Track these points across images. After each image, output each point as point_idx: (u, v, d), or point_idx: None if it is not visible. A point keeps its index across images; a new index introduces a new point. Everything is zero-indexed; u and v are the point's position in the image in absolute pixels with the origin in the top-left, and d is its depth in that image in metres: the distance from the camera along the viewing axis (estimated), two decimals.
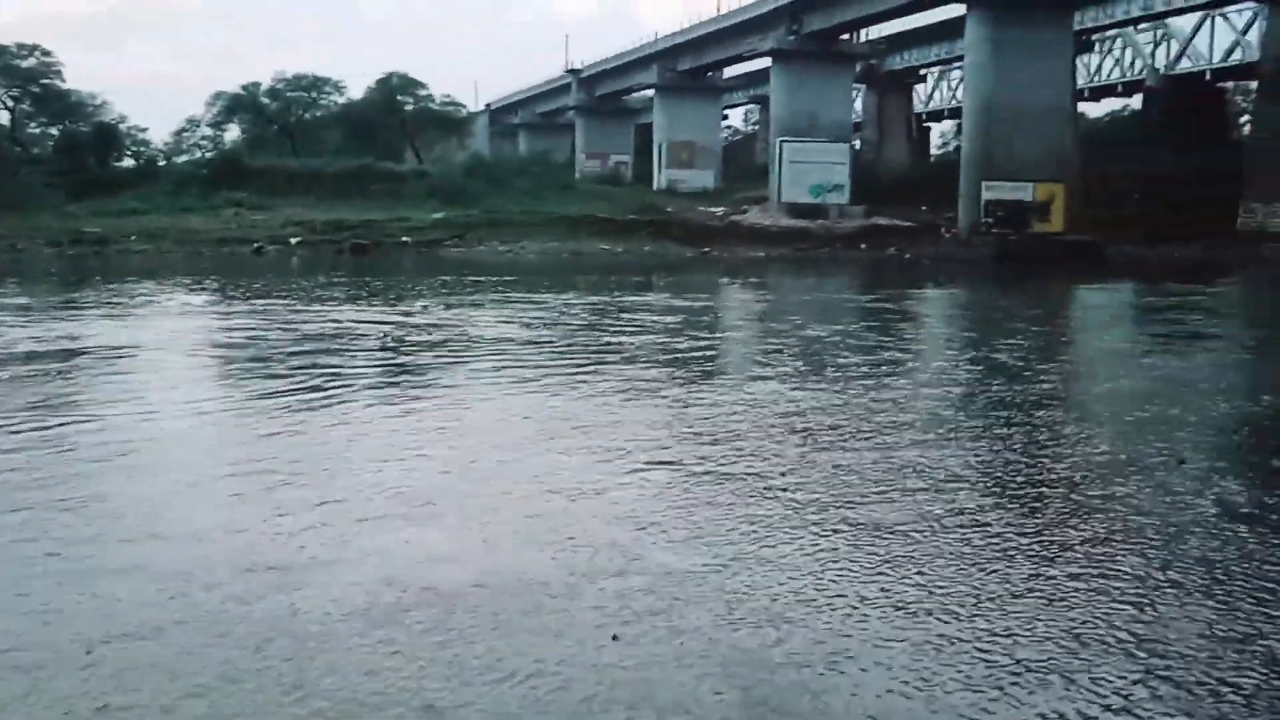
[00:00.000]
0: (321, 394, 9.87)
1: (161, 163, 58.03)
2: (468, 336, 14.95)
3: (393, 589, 4.84)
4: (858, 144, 64.82)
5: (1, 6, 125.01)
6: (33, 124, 59.05)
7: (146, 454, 7.44)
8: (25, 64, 56.56)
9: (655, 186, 66.65)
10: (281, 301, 20.38)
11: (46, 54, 56.89)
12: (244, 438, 8.00)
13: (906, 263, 44.30)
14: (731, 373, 12.17)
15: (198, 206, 49.26)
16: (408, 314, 18.15)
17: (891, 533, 5.71)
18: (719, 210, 56.57)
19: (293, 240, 45.05)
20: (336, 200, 50.57)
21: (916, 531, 5.74)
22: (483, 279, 28.20)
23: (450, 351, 13.43)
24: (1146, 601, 4.74)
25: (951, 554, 5.37)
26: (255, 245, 43.51)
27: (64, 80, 57.35)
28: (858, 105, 67.46)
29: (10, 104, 57.06)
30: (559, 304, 20.93)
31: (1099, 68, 58.84)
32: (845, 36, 57.18)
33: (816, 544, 5.51)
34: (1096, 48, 57.64)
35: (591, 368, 11.91)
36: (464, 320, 17.23)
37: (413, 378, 11.15)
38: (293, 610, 4.58)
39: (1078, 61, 52.80)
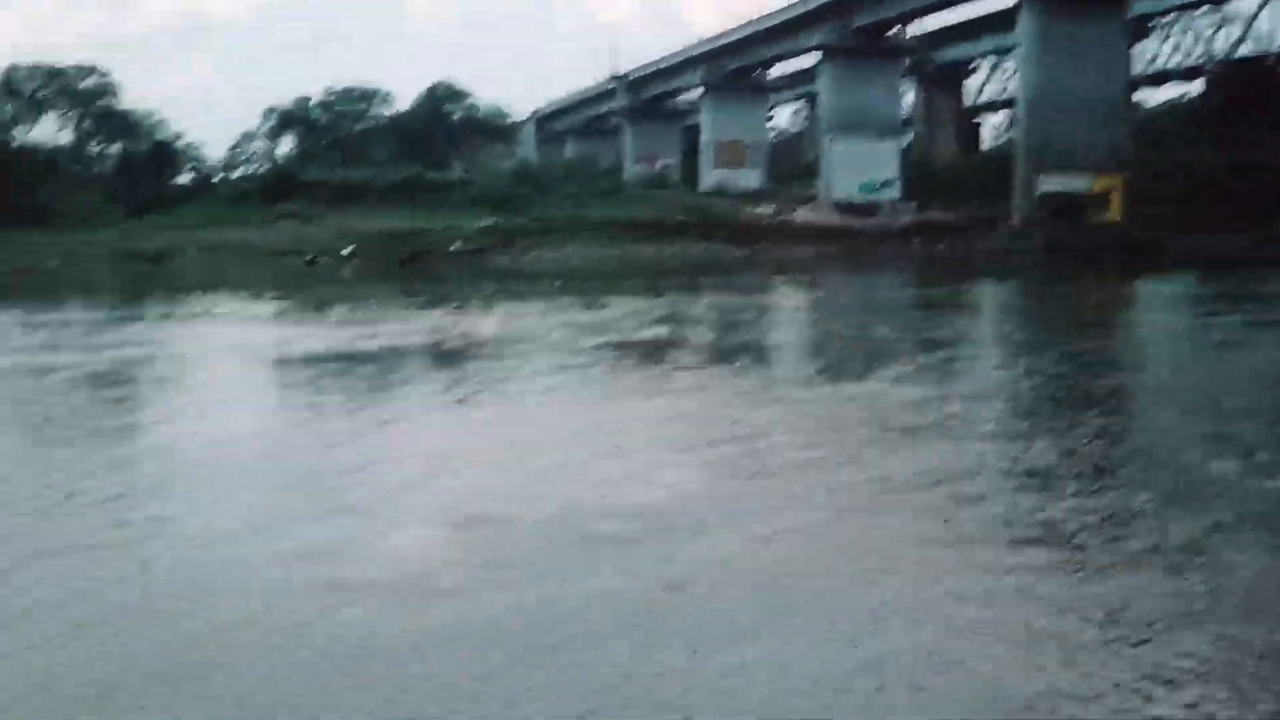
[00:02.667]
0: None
1: (217, 178, 58.90)
2: (557, 341, 14.78)
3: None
4: (908, 139, 64.18)
5: (57, 28, 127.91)
6: (93, 143, 60.17)
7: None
8: (84, 85, 57.72)
9: (703, 188, 66.32)
10: (362, 312, 20.47)
11: (104, 75, 58.09)
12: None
13: (960, 258, 43.67)
14: (828, 373, 11.84)
15: (253, 220, 49.92)
16: (478, 321, 18.13)
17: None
18: (768, 210, 56.21)
19: (344, 251, 45.44)
20: (386, 211, 50.95)
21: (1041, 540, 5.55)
22: (540, 285, 28.13)
23: (543, 357, 13.24)
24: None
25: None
26: (308, 257, 43.94)
27: (121, 100, 58.55)
28: (907, 100, 66.79)
29: (72, 124, 58.20)
30: (632, 310, 20.55)
31: (1156, 54, 57.65)
32: (894, 31, 56.63)
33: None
34: (1154, 33, 56.49)
35: (702, 370, 11.76)
36: (545, 326, 17.07)
37: (519, 384, 10.95)
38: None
39: (1134, 48, 51.79)
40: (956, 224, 50.65)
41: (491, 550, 5.35)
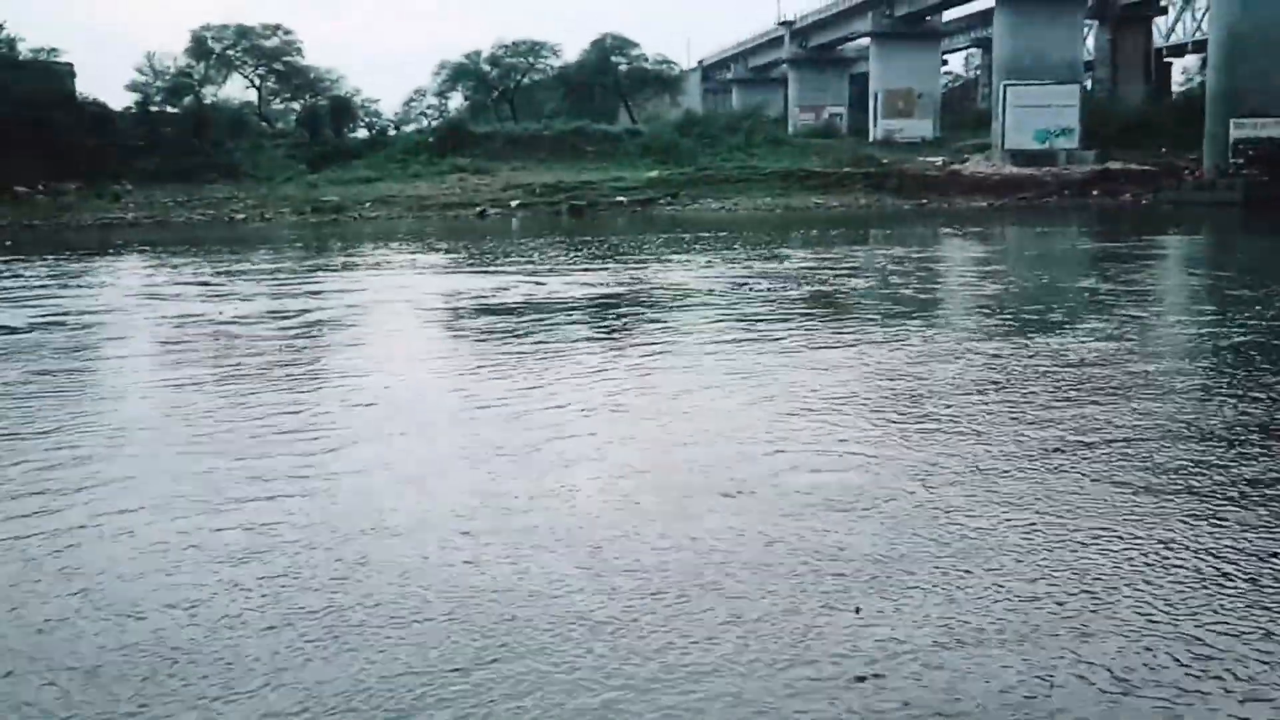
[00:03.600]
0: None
1: (392, 132, 60.80)
2: (744, 293, 14.77)
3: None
4: (1089, 85, 61.24)
5: None
6: (276, 100, 63.00)
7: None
8: (269, 43, 60.30)
9: (871, 138, 65.06)
10: (540, 263, 21.03)
11: (288, 33, 60.55)
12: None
13: (1145, 209, 41.69)
14: (1021, 327, 11.41)
15: (425, 173, 51.49)
16: (665, 272, 18.40)
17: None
18: (938, 160, 54.78)
19: (513, 203, 46.46)
20: (554, 162, 51.82)
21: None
22: (708, 236, 28.13)
23: (734, 308, 13.26)
24: None
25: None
26: (479, 210, 45.16)
27: (304, 57, 60.99)
28: (1089, 43, 63.68)
29: (257, 82, 60.96)
30: (808, 262, 20.18)
31: None
32: None
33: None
34: None
35: (889, 322, 11.70)
36: (727, 278, 17.02)
37: (712, 335, 11.11)
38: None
39: None
40: (1140, 173, 48.37)
41: (662, 501, 5.47)
